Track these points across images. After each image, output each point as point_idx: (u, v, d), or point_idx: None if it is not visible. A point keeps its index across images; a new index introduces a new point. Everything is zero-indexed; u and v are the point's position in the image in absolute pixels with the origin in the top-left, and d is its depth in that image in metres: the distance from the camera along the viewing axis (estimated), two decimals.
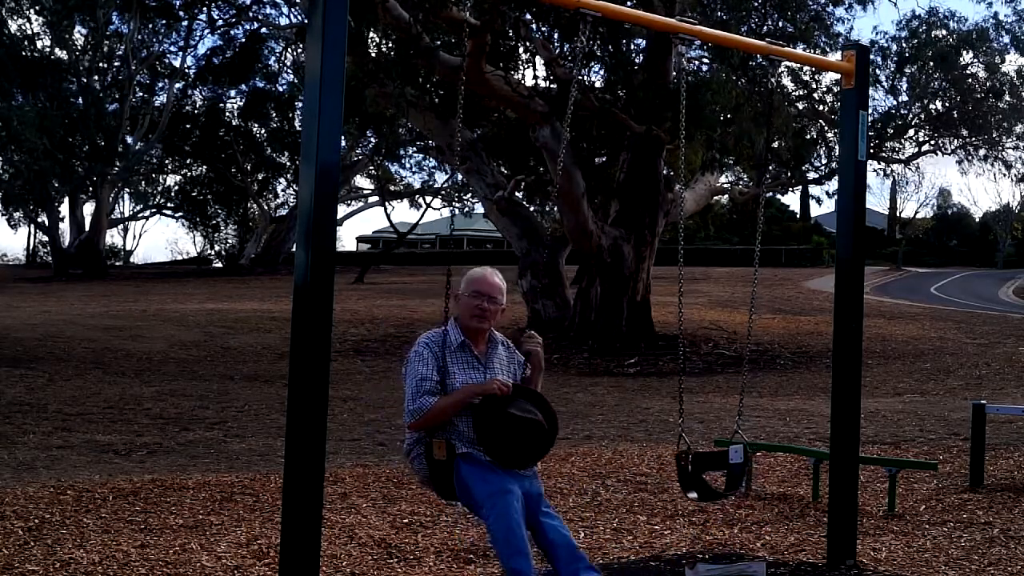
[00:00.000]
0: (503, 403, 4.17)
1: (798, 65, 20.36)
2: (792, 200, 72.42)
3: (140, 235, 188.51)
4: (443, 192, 46.24)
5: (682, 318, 5.34)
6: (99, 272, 43.83)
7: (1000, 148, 27.62)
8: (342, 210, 49.81)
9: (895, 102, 26.66)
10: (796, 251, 54.87)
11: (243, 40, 40.85)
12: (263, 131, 47.63)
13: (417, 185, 47.46)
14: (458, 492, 4.22)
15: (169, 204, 54.16)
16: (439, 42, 19.84)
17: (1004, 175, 35.79)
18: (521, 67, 23.19)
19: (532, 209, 25.75)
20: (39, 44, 44.11)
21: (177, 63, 46.26)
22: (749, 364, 18.10)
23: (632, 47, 22.71)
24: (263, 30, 40.27)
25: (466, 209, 46.66)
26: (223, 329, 21.81)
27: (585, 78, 22.96)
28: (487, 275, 4.43)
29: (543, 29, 21.84)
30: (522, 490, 4.18)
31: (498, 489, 4.10)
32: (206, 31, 43.44)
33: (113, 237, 61.77)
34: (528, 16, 20.78)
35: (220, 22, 40.62)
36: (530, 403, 4.28)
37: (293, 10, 36.76)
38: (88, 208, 47.73)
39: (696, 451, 4.89)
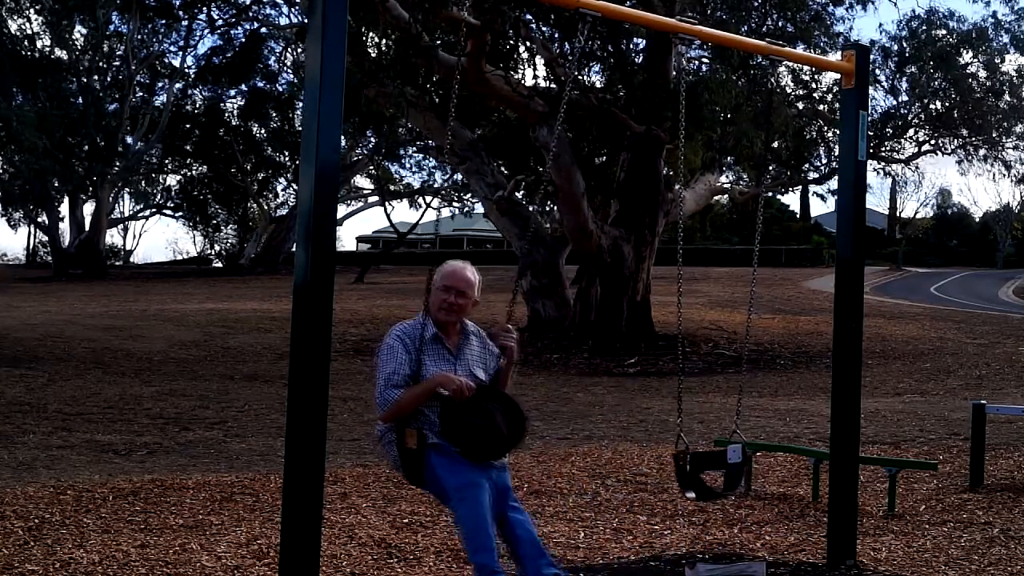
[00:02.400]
0: (464, 409, 4.19)
1: (798, 65, 20.36)
2: (792, 200, 72.46)
3: (140, 235, 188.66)
4: (443, 192, 46.25)
5: (681, 318, 5.34)
6: (99, 272, 43.82)
7: (1000, 148, 27.62)
8: (342, 210, 49.81)
9: (895, 102, 26.68)
10: (796, 251, 54.86)
11: (243, 40, 40.82)
12: (263, 131, 47.62)
13: (417, 185, 47.50)
14: (427, 482, 4.26)
15: (169, 204, 54.19)
16: (439, 42, 19.84)
17: (1004, 175, 35.80)
18: (521, 67, 23.21)
19: (532, 209, 25.74)
20: (39, 44, 44.14)
21: (177, 63, 46.29)
22: (749, 364, 18.10)
23: (632, 47, 22.72)
24: (263, 30, 40.25)
25: (466, 209, 46.68)
26: (223, 329, 21.81)
27: (585, 78, 22.98)
28: (457, 269, 4.46)
29: (543, 29, 21.84)
30: (490, 483, 4.22)
31: (467, 482, 4.14)
32: (206, 31, 43.43)
33: (113, 237, 61.84)
34: (528, 16, 20.78)
35: (220, 22, 40.60)
36: (495, 405, 4.28)
37: (293, 10, 36.75)
38: (88, 208, 47.78)
39: (694, 451, 4.89)
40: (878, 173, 30.31)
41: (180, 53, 45.92)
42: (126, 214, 59.85)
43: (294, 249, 5.46)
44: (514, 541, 4.25)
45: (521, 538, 4.23)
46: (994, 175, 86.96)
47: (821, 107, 24.25)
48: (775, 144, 22.24)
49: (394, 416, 4.22)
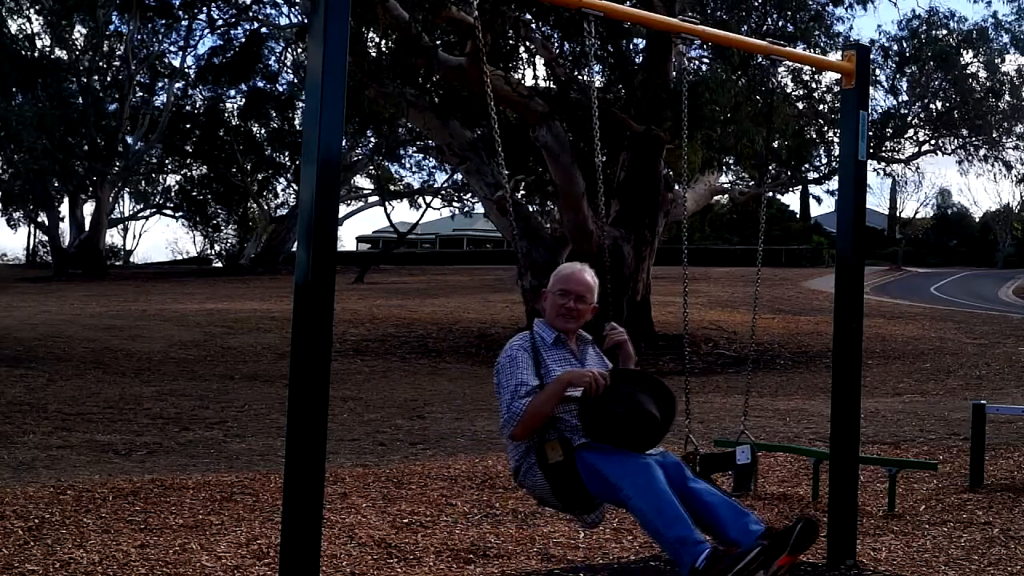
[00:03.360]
0: (604, 401, 3.81)
1: (798, 65, 20.35)
2: (792, 200, 72.53)
3: (140, 235, 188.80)
4: (443, 192, 46.27)
5: (687, 318, 5.34)
6: (99, 272, 43.82)
7: (1000, 148, 27.64)
8: (342, 210, 49.70)
9: (895, 102, 26.70)
10: (796, 251, 54.87)
11: (243, 40, 40.82)
12: (263, 131, 47.63)
13: (417, 185, 47.52)
14: (588, 483, 3.82)
15: (169, 204, 54.22)
16: (439, 42, 19.84)
17: (1004, 175, 35.86)
18: (521, 67, 23.22)
19: (532, 209, 25.75)
20: (39, 44, 44.15)
21: (177, 63, 46.31)
22: (749, 364, 18.10)
23: (632, 47, 22.73)
24: (263, 30, 40.27)
25: (466, 209, 46.70)
26: (223, 329, 21.81)
27: (585, 78, 22.96)
28: (576, 272, 4.23)
29: (543, 29, 21.84)
30: (658, 463, 3.83)
31: (634, 465, 3.75)
32: (206, 31, 43.45)
33: (113, 237, 61.90)
34: (528, 16, 20.78)
35: (220, 22, 40.60)
36: (635, 387, 3.91)
37: (293, 10, 36.79)
38: (88, 208, 47.78)
39: (703, 452, 4.85)
40: (878, 173, 30.35)
41: (180, 53, 46.00)
42: (126, 214, 59.95)
43: (294, 249, 5.47)
44: (707, 509, 3.80)
45: (714, 504, 3.81)
46: (994, 175, 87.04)
47: (821, 107, 24.25)
48: (775, 144, 22.24)
49: (526, 429, 3.84)
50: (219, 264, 55.58)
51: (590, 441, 3.85)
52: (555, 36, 22.22)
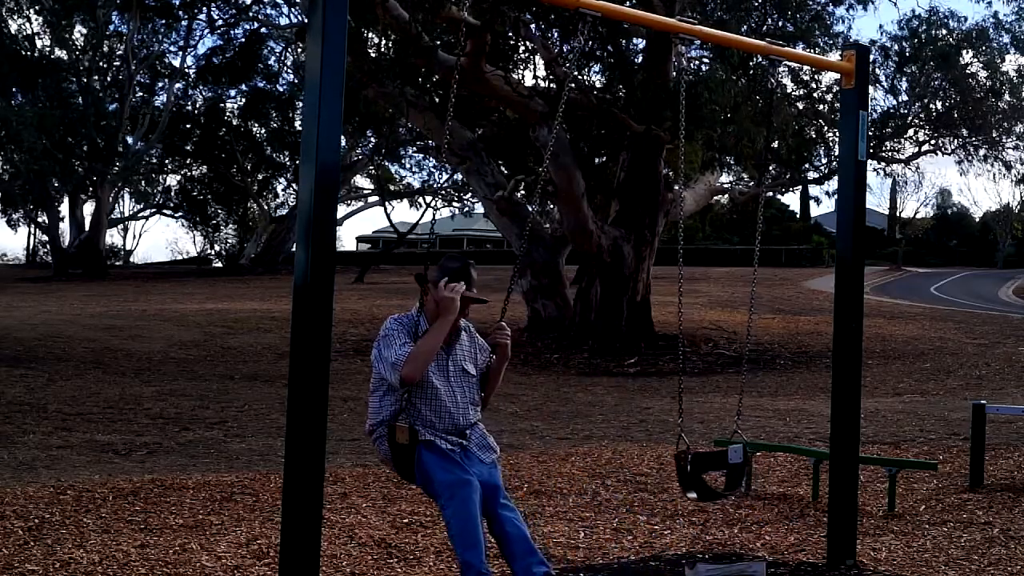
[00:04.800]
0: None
1: (798, 65, 20.36)
2: (792, 200, 72.47)
3: (140, 235, 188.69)
4: (443, 192, 46.25)
5: (682, 318, 5.34)
6: (99, 272, 43.81)
7: (1000, 148, 27.63)
8: (342, 210, 49.85)
9: (895, 102, 26.70)
10: (796, 251, 54.87)
11: (243, 40, 40.81)
12: (263, 131, 47.61)
13: (417, 185, 47.50)
14: (417, 478, 4.29)
15: (169, 204, 54.18)
16: (438, 42, 19.84)
17: (1004, 175, 35.88)
18: (521, 67, 23.22)
19: (532, 209, 25.74)
20: (39, 44, 44.13)
21: (177, 63, 46.26)
22: (749, 364, 18.10)
23: (632, 47, 22.72)
24: (263, 30, 40.26)
25: (466, 209, 46.68)
26: (223, 329, 21.81)
27: (585, 78, 22.97)
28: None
29: (543, 28, 21.84)
30: (481, 480, 4.25)
31: (457, 480, 4.18)
32: (206, 31, 43.43)
33: (113, 237, 61.82)
34: (528, 16, 20.79)
35: (220, 22, 40.60)
36: None
37: (293, 10, 36.78)
38: (88, 208, 47.75)
39: (695, 451, 4.88)
40: (878, 173, 30.35)
41: (180, 53, 45.94)
42: (126, 214, 59.91)
43: (294, 249, 5.47)
44: (504, 538, 4.26)
45: (511, 535, 4.26)
46: (994, 175, 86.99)
47: (821, 107, 24.25)
48: (775, 144, 22.24)
49: (414, 369, 4.20)
50: (219, 264, 55.54)
51: (433, 440, 4.27)
52: (554, 36, 22.22)
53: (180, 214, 54.69)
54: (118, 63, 44.67)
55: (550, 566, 4.35)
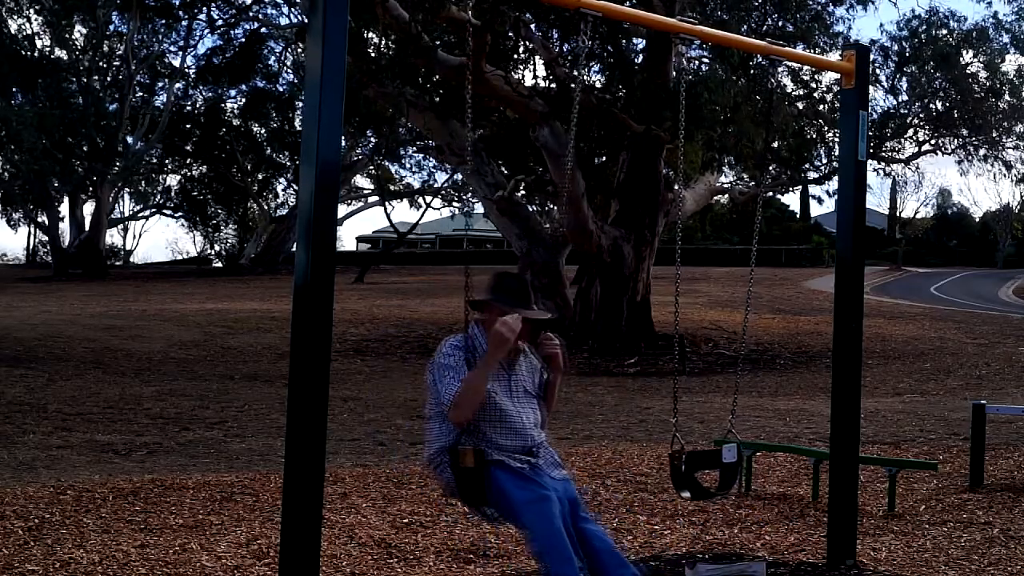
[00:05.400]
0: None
1: (798, 65, 20.35)
2: (792, 200, 72.51)
3: (140, 235, 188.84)
4: (443, 192, 46.26)
5: (678, 318, 5.34)
6: (99, 272, 43.82)
7: (1000, 148, 27.62)
8: (342, 210, 49.82)
9: (895, 102, 26.68)
10: (796, 251, 54.88)
11: (243, 40, 40.81)
12: (263, 131, 47.63)
13: (417, 185, 47.52)
14: (492, 500, 4.07)
15: (169, 204, 54.22)
16: (438, 42, 19.84)
17: (1004, 175, 35.86)
18: (521, 67, 23.22)
19: (532, 209, 25.75)
20: (39, 44, 44.14)
21: (177, 63, 46.29)
22: (749, 364, 18.11)
23: (632, 47, 22.72)
24: (263, 30, 40.25)
25: (466, 209, 46.68)
26: (223, 329, 21.81)
27: (585, 78, 22.96)
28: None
29: (543, 28, 21.84)
30: (559, 495, 4.07)
31: (537, 496, 3.98)
32: (206, 31, 43.44)
33: (113, 237, 61.87)
34: (528, 16, 20.79)
35: (220, 22, 40.57)
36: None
37: (293, 10, 36.77)
38: (88, 208, 47.78)
39: (689, 450, 4.87)
40: (878, 173, 30.33)
41: (180, 53, 45.97)
42: (126, 214, 59.94)
43: (294, 249, 5.47)
44: (593, 553, 4.06)
45: (600, 549, 4.06)
46: (994, 175, 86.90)
47: (821, 107, 24.25)
48: (775, 144, 22.24)
49: (462, 409, 4.00)
50: (219, 264, 55.56)
51: (503, 459, 4.08)
52: (555, 36, 22.22)
53: (180, 214, 54.71)
54: (118, 63, 44.68)
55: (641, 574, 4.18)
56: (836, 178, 15.19)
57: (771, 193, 39.70)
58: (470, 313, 4.29)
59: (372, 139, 41.32)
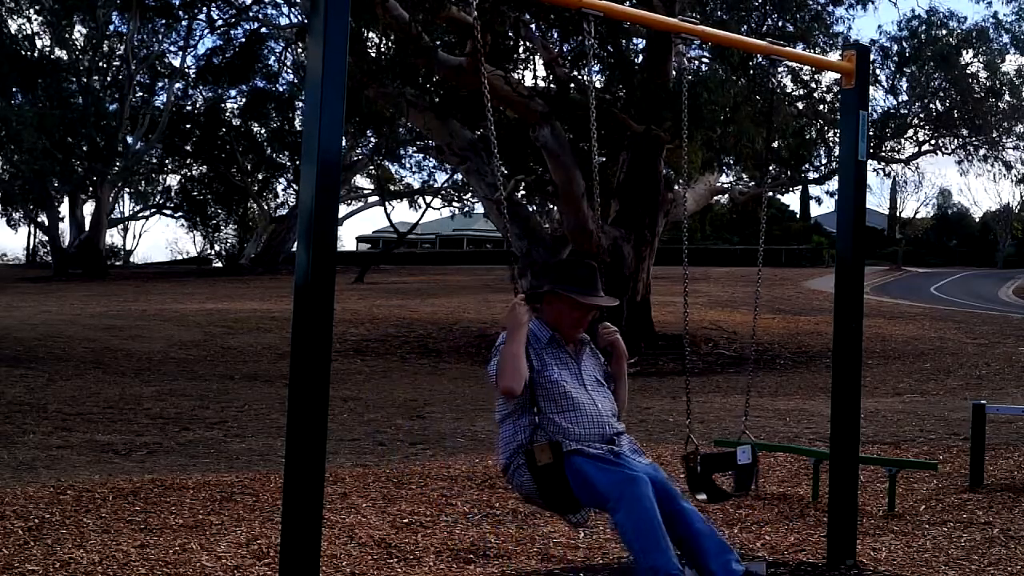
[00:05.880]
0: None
1: (798, 65, 20.35)
2: (792, 200, 72.53)
3: (140, 235, 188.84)
4: (443, 192, 46.25)
5: (687, 317, 5.34)
6: (99, 272, 43.82)
7: (1000, 148, 27.64)
8: (342, 210, 49.77)
9: (895, 102, 26.69)
10: (796, 251, 54.87)
11: (243, 40, 40.83)
12: (263, 131, 47.64)
13: (417, 185, 47.53)
14: (576, 490, 3.82)
15: (169, 204, 54.22)
16: (439, 42, 19.84)
17: (1004, 175, 35.86)
18: (521, 68, 23.21)
19: (532, 209, 25.76)
20: (39, 44, 44.14)
21: (177, 63, 46.33)
22: (749, 364, 18.10)
23: (632, 47, 22.71)
24: (263, 30, 40.25)
25: (466, 209, 46.71)
26: (223, 329, 21.81)
27: (585, 78, 22.94)
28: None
29: (543, 28, 21.83)
30: (643, 468, 3.86)
31: (624, 477, 3.73)
32: (206, 31, 43.46)
33: (113, 237, 61.89)
34: (527, 16, 20.79)
35: (220, 22, 40.59)
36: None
37: (293, 10, 36.77)
38: (88, 208, 47.80)
39: (704, 452, 4.83)
40: (878, 173, 30.34)
41: (180, 53, 46.01)
42: (126, 214, 59.95)
43: (294, 249, 5.48)
44: (692, 536, 3.80)
45: (700, 532, 3.81)
46: (994, 175, 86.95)
47: (821, 107, 24.25)
48: (775, 144, 22.24)
49: (509, 378, 3.84)
50: (219, 264, 55.57)
51: (580, 447, 3.89)
52: (554, 36, 22.21)
53: (180, 214, 54.72)
54: (118, 63, 44.69)
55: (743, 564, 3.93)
56: (836, 178, 15.20)
57: (771, 193, 39.71)
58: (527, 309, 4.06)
59: (372, 139, 41.35)
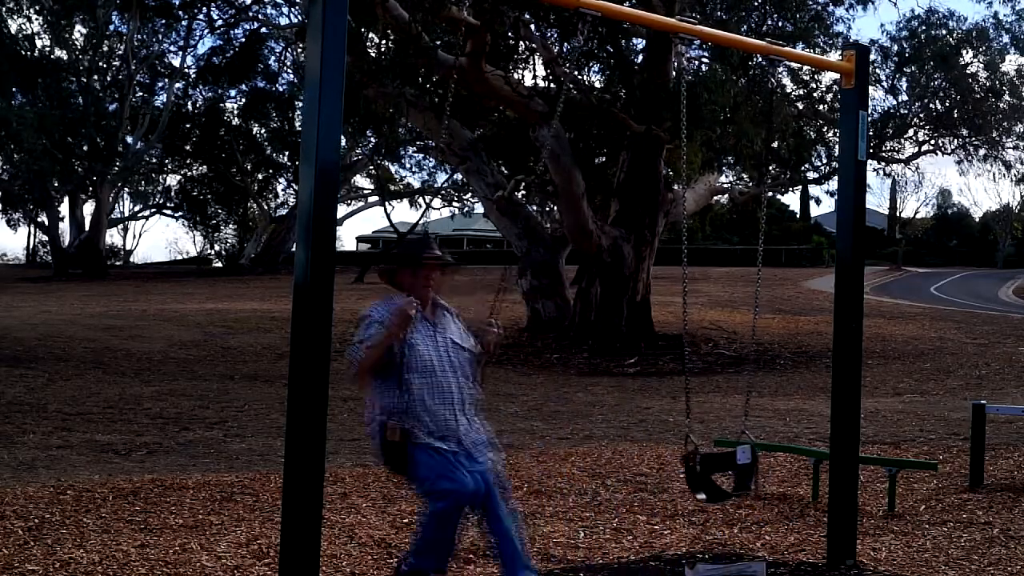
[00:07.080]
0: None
1: (798, 65, 20.35)
2: (792, 200, 72.44)
3: (140, 235, 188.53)
4: (443, 192, 46.22)
5: (686, 318, 5.34)
6: (99, 272, 43.81)
7: (1000, 148, 27.63)
8: (342, 210, 49.83)
9: (895, 102, 26.68)
10: (796, 251, 54.84)
11: (243, 40, 40.83)
12: (263, 131, 47.63)
13: (417, 185, 47.51)
14: (411, 470, 4.32)
15: (169, 204, 54.19)
16: (438, 42, 19.84)
17: (1004, 175, 35.88)
18: (520, 68, 23.22)
19: (532, 209, 25.75)
20: (39, 44, 44.13)
21: (177, 63, 46.29)
22: (749, 364, 18.09)
23: (632, 47, 22.71)
24: (263, 30, 40.25)
25: (466, 209, 46.69)
26: (223, 329, 21.81)
27: (585, 78, 22.98)
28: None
29: (543, 28, 21.84)
30: (478, 470, 4.29)
31: (451, 488, 4.20)
32: (206, 31, 43.44)
33: (113, 237, 61.81)
34: (527, 16, 20.79)
35: (220, 22, 40.61)
36: None
37: (293, 10, 36.75)
38: (88, 208, 47.78)
39: (704, 452, 4.84)
40: (878, 173, 30.33)
41: (180, 53, 45.98)
42: (126, 214, 59.89)
43: (294, 249, 5.48)
44: (500, 536, 4.35)
45: (505, 537, 4.35)
46: (994, 175, 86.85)
47: (821, 107, 24.24)
48: (775, 144, 22.24)
49: (365, 371, 4.30)
50: (219, 264, 55.56)
51: (428, 443, 4.29)
52: (554, 36, 22.21)
53: (180, 214, 54.70)
54: (118, 63, 44.67)
55: (537, 572, 4.50)
56: (836, 178, 15.20)
57: (771, 193, 39.70)
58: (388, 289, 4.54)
59: (372, 139, 41.30)
